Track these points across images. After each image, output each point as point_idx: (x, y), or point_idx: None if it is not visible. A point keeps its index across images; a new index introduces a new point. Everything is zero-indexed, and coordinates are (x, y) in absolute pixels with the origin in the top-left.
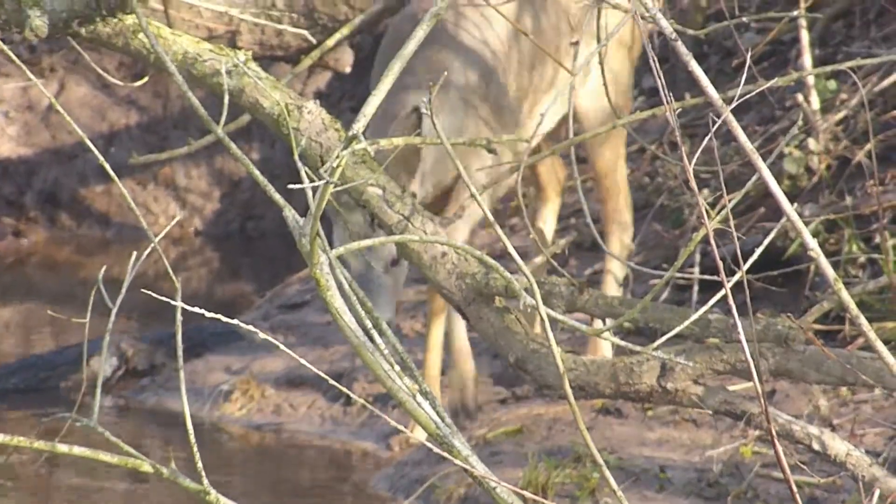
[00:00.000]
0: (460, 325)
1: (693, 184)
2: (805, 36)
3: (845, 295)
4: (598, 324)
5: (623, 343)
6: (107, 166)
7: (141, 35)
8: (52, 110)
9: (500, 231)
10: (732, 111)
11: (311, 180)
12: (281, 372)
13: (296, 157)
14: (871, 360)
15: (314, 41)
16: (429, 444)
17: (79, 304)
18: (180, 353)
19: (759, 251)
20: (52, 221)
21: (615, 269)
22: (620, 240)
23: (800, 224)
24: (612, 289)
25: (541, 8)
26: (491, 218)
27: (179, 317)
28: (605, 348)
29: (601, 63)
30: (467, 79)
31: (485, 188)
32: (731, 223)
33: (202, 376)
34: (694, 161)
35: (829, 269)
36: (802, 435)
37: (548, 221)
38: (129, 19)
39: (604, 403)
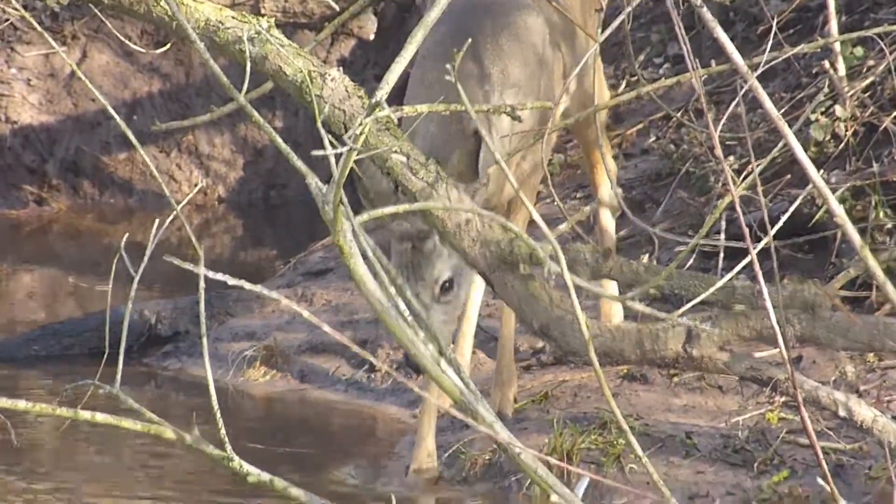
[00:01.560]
0: (511, 318)
1: (719, 151)
2: (832, 2)
3: (872, 261)
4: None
5: (648, 310)
6: (129, 134)
7: (163, 2)
8: (75, 78)
9: (524, 197)
10: (758, 78)
11: (335, 147)
12: (304, 339)
13: (318, 124)
14: None
15: (338, 8)
16: (453, 412)
17: (101, 272)
18: (203, 319)
19: (785, 218)
20: (74, 189)
21: (610, 201)
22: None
23: (826, 191)
24: (607, 220)
25: None
26: (515, 185)
27: (203, 283)
28: (619, 315)
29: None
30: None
31: (509, 155)
32: (758, 190)
33: (225, 343)
34: (720, 128)
35: (855, 235)
36: (829, 401)
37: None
38: None
39: (629, 370)
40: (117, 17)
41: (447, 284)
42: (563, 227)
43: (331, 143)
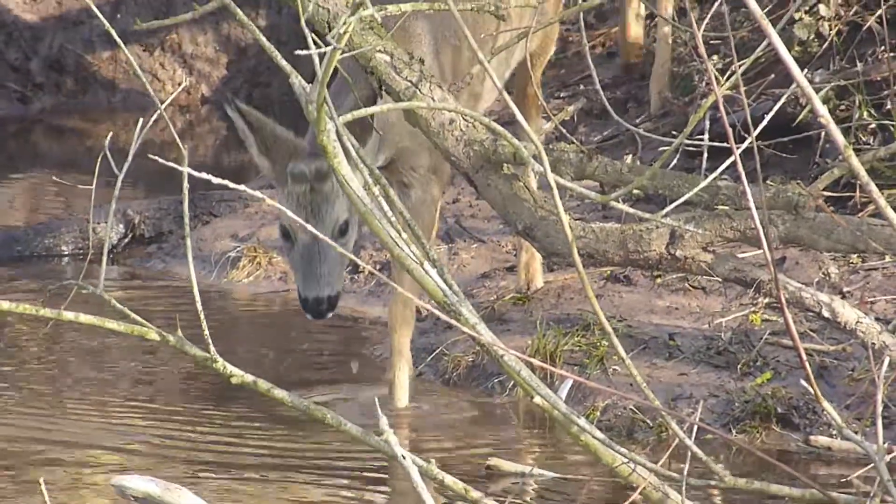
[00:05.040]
0: None
1: (702, 50)
2: None
3: (855, 161)
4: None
5: (632, 210)
6: (113, 32)
7: None
8: None
9: (507, 97)
10: None
11: (319, 46)
12: None
13: (303, 23)
14: (881, 227)
15: None
16: (436, 312)
17: (85, 171)
18: (187, 220)
19: (769, 118)
20: (57, 88)
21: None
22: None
23: (810, 90)
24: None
25: None
26: (499, 85)
27: (186, 184)
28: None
29: None
30: None
31: (493, 54)
32: (741, 90)
33: (209, 243)
34: (703, 27)
35: (839, 135)
36: (812, 302)
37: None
38: None
39: (612, 271)
40: None
41: (344, 226)
42: (547, 126)
43: (315, 42)
